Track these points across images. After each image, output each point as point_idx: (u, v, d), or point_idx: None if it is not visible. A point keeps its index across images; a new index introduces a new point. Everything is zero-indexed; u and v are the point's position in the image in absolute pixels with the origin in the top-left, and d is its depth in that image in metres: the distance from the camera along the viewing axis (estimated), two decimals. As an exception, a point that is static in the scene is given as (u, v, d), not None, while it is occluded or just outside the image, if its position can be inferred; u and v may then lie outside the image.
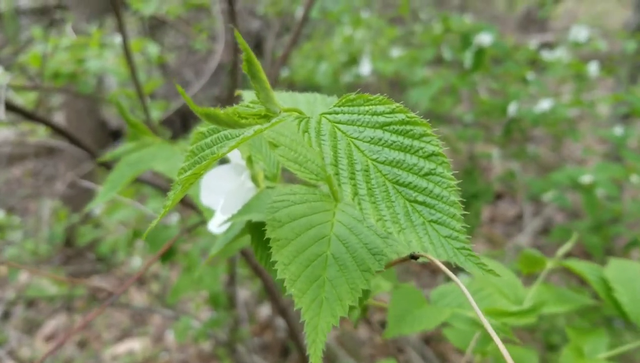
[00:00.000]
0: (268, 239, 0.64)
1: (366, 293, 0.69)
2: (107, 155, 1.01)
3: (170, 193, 0.52)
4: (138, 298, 4.06)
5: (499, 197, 4.71)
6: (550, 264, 1.00)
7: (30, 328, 3.83)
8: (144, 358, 3.62)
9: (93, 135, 4.28)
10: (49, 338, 3.86)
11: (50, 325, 3.90)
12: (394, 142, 0.48)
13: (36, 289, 3.06)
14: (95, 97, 2.83)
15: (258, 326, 3.66)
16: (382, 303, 0.91)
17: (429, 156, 0.47)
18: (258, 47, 4.82)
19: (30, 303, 4.06)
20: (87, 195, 4.15)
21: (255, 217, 0.64)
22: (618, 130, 2.54)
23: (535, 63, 3.21)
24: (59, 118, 4.43)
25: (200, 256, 2.63)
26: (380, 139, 0.49)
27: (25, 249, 3.08)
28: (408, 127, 0.48)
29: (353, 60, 3.71)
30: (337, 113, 0.51)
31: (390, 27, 4.00)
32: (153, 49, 3.22)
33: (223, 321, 2.77)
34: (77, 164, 4.19)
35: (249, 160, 0.72)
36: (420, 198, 0.46)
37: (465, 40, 2.55)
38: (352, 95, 0.51)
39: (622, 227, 2.56)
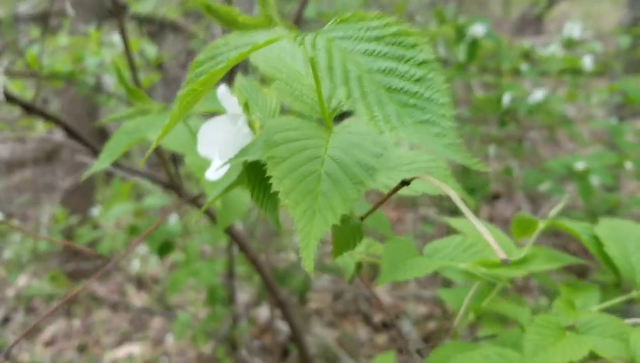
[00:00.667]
0: (264, 179, 0.65)
1: (359, 233, 0.71)
2: (105, 119, 1.02)
3: (171, 112, 0.54)
4: (138, 301, 4.06)
5: (496, 197, 4.73)
6: (542, 225, 1.01)
7: (30, 333, 3.82)
8: (144, 361, 3.61)
9: (92, 138, 4.29)
10: (49, 343, 3.85)
11: (50, 330, 3.89)
12: (387, 52, 0.50)
13: (35, 289, 3.06)
14: (93, 94, 2.84)
15: (257, 329, 3.65)
16: (375, 259, 0.92)
17: (420, 64, 0.49)
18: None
19: (30, 309, 4.06)
20: (85, 197, 4.16)
21: (252, 158, 0.65)
22: (613, 120, 2.57)
23: (529, 58, 3.24)
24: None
25: (198, 254, 2.64)
26: (373, 51, 0.50)
27: (24, 248, 3.08)
28: (401, 38, 0.50)
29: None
30: (332, 31, 0.53)
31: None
32: (151, 49, 3.24)
33: (221, 316, 2.77)
34: (75, 170, 4.20)
35: (246, 106, 0.74)
36: (412, 101, 0.48)
37: (460, 31, 2.58)
38: (348, 14, 0.53)
39: (619, 218, 2.57)
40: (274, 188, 0.53)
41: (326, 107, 0.64)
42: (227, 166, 0.73)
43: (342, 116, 0.71)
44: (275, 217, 0.67)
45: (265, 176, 0.57)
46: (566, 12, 7.66)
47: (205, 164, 1.06)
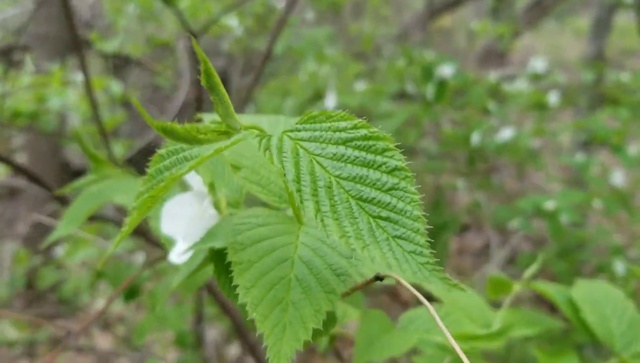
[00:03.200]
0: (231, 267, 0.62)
1: (332, 320, 0.68)
2: (67, 187, 0.98)
3: (127, 219, 0.50)
4: (103, 342, 3.94)
5: (465, 228, 4.74)
6: (517, 287, 1.00)
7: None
8: (110, 404, 3.50)
9: (56, 176, 4.19)
10: (10, 386, 3.71)
11: (12, 373, 3.75)
12: (357, 157, 0.48)
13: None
14: (57, 135, 2.78)
15: (227, 366, 3.58)
16: (349, 333, 0.89)
17: (392, 171, 0.47)
18: (223, 85, 4.82)
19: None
20: (49, 235, 4.05)
21: (218, 244, 0.62)
22: (579, 156, 2.59)
23: (496, 95, 3.28)
24: (21, 160, 4.34)
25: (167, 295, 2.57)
26: (343, 155, 0.48)
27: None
28: (371, 142, 0.48)
29: (319, 96, 3.74)
30: (299, 130, 0.50)
31: (354, 62, 4.06)
32: (116, 87, 3.19)
33: (191, 362, 2.70)
34: (39, 206, 4.10)
35: (211, 186, 0.71)
36: (384, 213, 0.45)
37: (427, 72, 2.59)
38: (315, 112, 0.51)
39: (587, 253, 2.59)
40: (240, 300, 0.50)
41: (295, 195, 0.61)
42: (192, 251, 0.70)
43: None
44: (244, 308, 0.64)
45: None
46: (529, 44, 7.81)
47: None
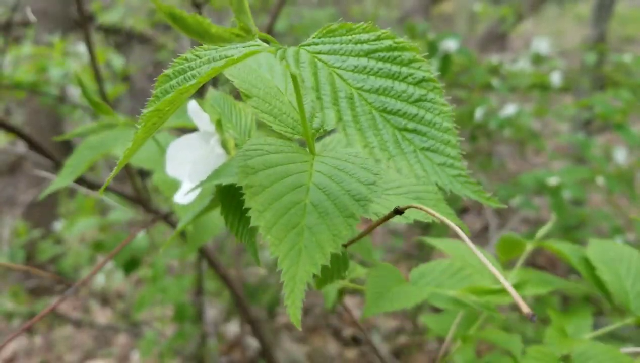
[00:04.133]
0: (239, 205, 0.58)
1: (344, 262, 0.65)
2: (67, 134, 0.95)
3: (134, 134, 0.47)
4: (102, 318, 3.93)
5: (465, 210, 4.72)
6: (529, 246, 0.97)
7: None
8: (108, 380, 3.49)
9: (56, 151, 4.16)
10: (9, 361, 3.71)
11: (10, 347, 3.74)
12: (381, 69, 0.44)
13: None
14: (57, 105, 2.75)
15: (226, 344, 3.57)
16: (358, 286, 0.87)
17: (419, 82, 0.44)
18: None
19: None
20: (48, 210, 4.03)
21: (226, 181, 0.59)
22: (581, 135, 2.57)
23: (497, 73, 3.24)
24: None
25: (165, 269, 2.55)
26: (365, 67, 0.45)
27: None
28: (396, 53, 0.45)
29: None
30: (317, 44, 0.47)
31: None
32: (117, 61, 3.16)
33: (190, 334, 2.68)
34: (38, 182, 4.08)
35: (219, 124, 0.67)
36: (411, 125, 0.42)
37: (432, 47, 2.56)
38: (334, 25, 0.47)
39: (588, 232, 2.57)
40: (253, 223, 0.47)
41: (309, 126, 0.58)
42: (198, 190, 0.67)
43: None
44: (253, 246, 0.61)
45: (242, 201, 0.51)
46: (530, 29, 7.77)
47: (175, 182, 0.99)
